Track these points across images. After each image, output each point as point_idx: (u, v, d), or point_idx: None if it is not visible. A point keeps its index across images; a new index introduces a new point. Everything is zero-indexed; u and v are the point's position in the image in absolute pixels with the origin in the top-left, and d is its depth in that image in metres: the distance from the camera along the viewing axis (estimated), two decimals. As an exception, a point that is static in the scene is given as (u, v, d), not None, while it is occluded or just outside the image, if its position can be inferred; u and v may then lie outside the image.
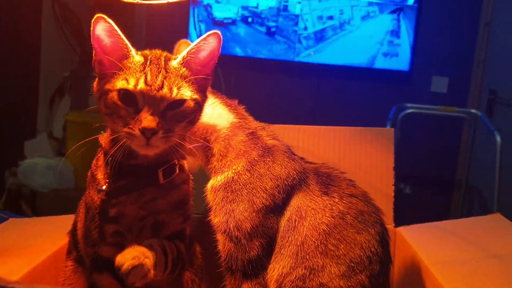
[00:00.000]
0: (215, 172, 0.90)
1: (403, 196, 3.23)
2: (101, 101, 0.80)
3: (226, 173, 0.88)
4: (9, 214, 1.71)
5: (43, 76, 3.61)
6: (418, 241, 1.07)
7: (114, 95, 0.77)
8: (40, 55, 3.56)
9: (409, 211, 3.23)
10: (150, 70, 0.78)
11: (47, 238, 0.98)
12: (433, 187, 3.49)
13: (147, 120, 0.75)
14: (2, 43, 3.08)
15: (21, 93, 3.41)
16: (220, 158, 0.90)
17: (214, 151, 0.90)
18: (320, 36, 3.35)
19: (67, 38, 3.70)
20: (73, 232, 0.96)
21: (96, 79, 0.84)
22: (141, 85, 0.76)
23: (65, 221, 1.02)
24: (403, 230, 1.14)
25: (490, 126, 2.88)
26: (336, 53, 3.36)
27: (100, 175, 0.85)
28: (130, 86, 0.77)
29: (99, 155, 0.88)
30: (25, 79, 3.47)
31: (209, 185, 0.91)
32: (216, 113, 0.92)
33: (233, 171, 0.88)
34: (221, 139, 0.91)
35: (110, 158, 0.80)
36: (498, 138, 2.84)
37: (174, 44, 0.96)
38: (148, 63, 0.79)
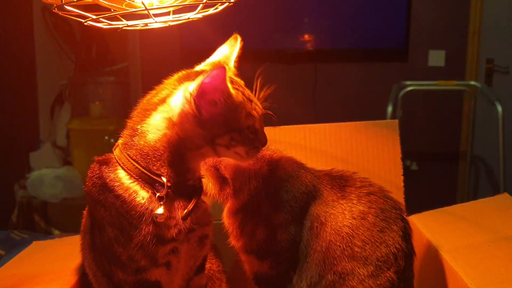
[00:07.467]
0: (230, 197, 0.90)
1: (410, 172, 3.26)
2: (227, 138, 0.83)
3: (241, 196, 0.89)
4: (28, 234, 1.75)
5: (41, 86, 3.60)
6: (430, 229, 1.10)
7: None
8: (36, 65, 3.55)
9: (418, 186, 3.27)
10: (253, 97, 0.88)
11: (73, 260, 1.00)
12: (439, 161, 3.52)
13: (265, 136, 0.85)
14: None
15: (21, 105, 3.42)
16: (233, 181, 0.89)
17: (226, 176, 0.90)
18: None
19: (60, 46, 3.68)
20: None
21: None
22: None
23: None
24: (415, 219, 1.16)
25: (490, 97, 2.89)
26: (331, 36, 3.35)
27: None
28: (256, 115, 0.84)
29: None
30: (23, 91, 3.47)
31: (225, 210, 0.92)
32: None
33: (248, 191, 0.88)
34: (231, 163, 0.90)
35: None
36: (499, 108, 2.85)
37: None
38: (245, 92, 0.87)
